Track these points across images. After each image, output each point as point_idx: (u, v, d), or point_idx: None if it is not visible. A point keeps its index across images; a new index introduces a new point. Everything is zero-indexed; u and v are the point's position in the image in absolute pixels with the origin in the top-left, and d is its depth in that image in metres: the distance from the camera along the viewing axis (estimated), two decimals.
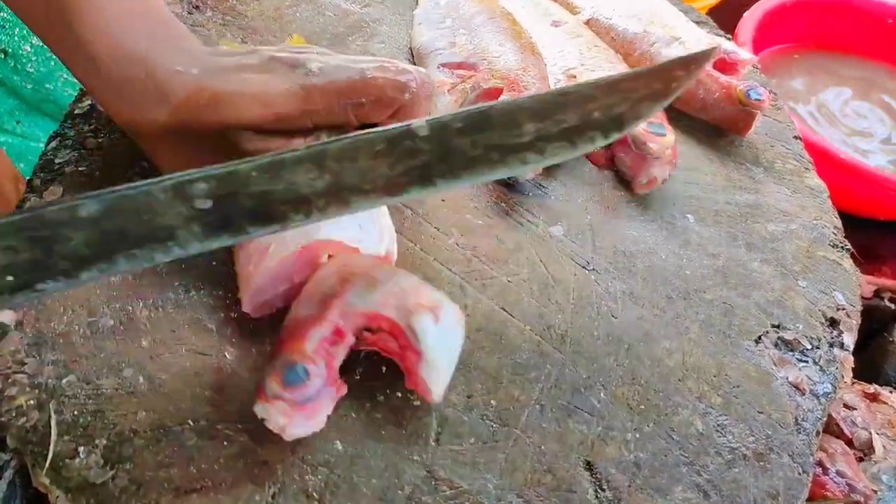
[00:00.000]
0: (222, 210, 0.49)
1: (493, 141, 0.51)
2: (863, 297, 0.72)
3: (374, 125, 0.56)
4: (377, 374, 0.57)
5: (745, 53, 0.87)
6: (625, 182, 0.76)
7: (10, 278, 0.47)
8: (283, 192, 0.49)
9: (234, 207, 0.49)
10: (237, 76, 0.57)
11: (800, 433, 0.59)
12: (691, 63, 0.52)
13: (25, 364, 0.55)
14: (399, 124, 0.51)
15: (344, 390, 0.53)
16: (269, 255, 0.56)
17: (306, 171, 0.49)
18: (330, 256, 0.58)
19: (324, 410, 0.52)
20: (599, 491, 0.54)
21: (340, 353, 0.53)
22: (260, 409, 0.49)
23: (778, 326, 0.66)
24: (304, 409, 0.49)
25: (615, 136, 0.53)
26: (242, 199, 0.49)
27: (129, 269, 0.50)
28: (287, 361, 0.50)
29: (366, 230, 0.59)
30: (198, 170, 0.48)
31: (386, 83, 0.58)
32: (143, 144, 0.62)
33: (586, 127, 0.52)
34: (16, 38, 0.88)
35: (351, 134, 0.51)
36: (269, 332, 0.58)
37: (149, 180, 0.48)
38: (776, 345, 0.65)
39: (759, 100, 0.79)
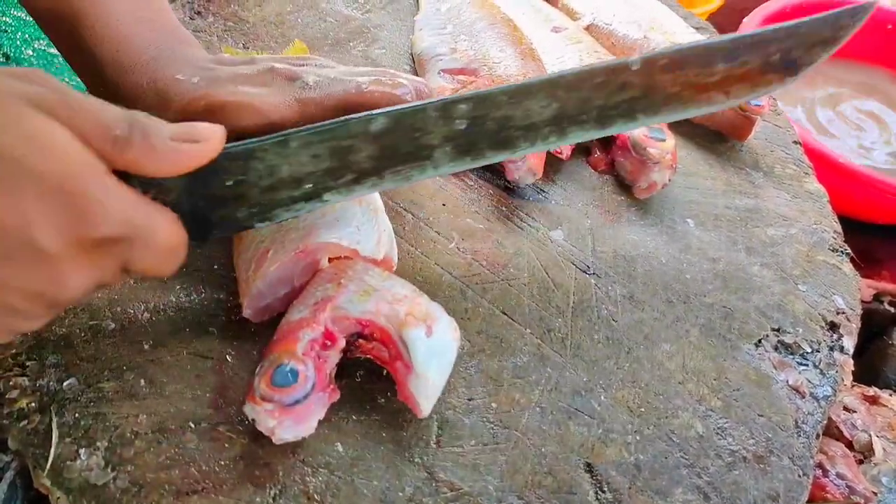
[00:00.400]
0: (473, 131, 0.55)
1: (690, 78, 0.57)
2: (862, 301, 0.72)
3: None
4: (378, 376, 0.58)
5: None
6: (625, 187, 0.77)
7: (307, 186, 0.53)
8: (520, 118, 0.55)
9: (481, 130, 0.55)
10: (235, 87, 0.58)
11: (800, 436, 0.59)
12: (857, 12, 0.57)
13: (27, 367, 0.55)
14: (615, 59, 0.58)
15: (336, 396, 0.53)
16: (268, 260, 0.56)
17: (540, 98, 0.55)
18: (330, 259, 0.58)
19: (314, 415, 0.51)
20: (600, 493, 0.54)
21: (332, 358, 0.53)
22: (249, 410, 0.50)
23: (778, 330, 0.66)
24: (292, 412, 0.49)
25: (790, 81, 0.58)
26: (489, 123, 0.55)
27: (392, 186, 0.56)
28: (276, 362, 0.50)
29: (364, 232, 0.59)
30: (459, 94, 0.55)
31: (382, 97, 0.59)
32: None
33: (766, 68, 0.57)
34: (18, 43, 0.88)
35: (578, 67, 0.56)
36: (269, 335, 0.58)
37: (421, 101, 0.56)
38: (776, 348, 0.65)
39: (759, 105, 0.79)
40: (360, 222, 0.60)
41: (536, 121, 0.55)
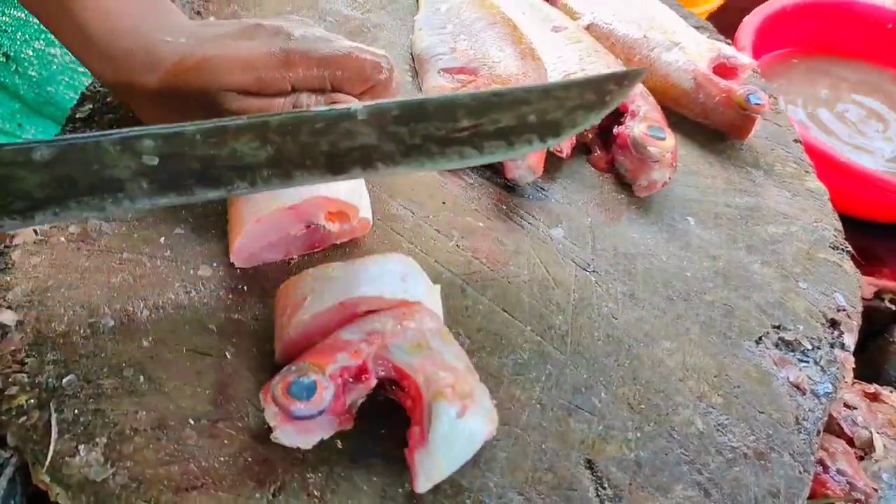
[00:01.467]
0: (169, 168, 0.51)
1: (430, 132, 0.53)
2: (863, 299, 0.72)
3: None
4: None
5: (744, 58, 0.87)
6: (625, 185, 0.77)
7: None
8: (228, 158, 0.52)
9: (180, 167, 0.51)
10: (222, 42, 0.60)
11: (800, 432, 0.59)
12: (624, 78, 0.55)
13: (26, 364, 0.55)
14: (339, 105, 0.53)
15: (349, 425, 0.52)
16: (303, 308, 0.54)
17: (249, 140, 0.52)
18: (368, 312, 0.55)
19: (317, 434, 0.50)
20: (600, 489, 0.54)
21: (357, 393, 0.51)
22: (261, 399, 0.49)
23: (778, 327, 0.66)
24: (295, 424, 0.49)
25: (553, 141, 0.55)
26: (189, 161, 0.51)
27: (81, 216, 0.53)
28: (301, 371, 0.49)
29: (410, 281, 0.57)
30: (145, 127, 0.51)
31: (365, 61, 0.61)
32: (135, 107, 0.65)
33: (522, 129, 0.54)
34: (18, 42, 0.89)
35: (293, 110, 0.54)
36: (268, 334, 0.58)
37: (99, 132, 0.51)
38: (777, 345, 0.65)
39: (759, 104, 0.79)
40: (407, 271, 0.57)
41: (251, 162, 0.52)
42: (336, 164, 0.53)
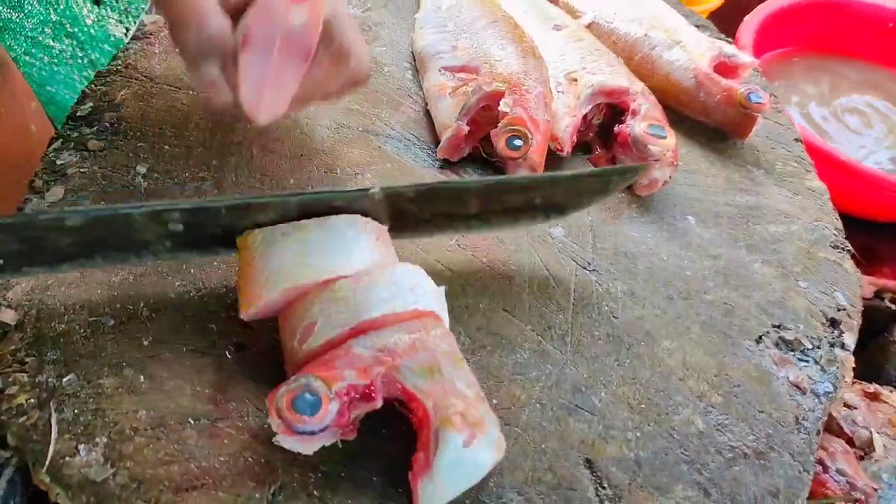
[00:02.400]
0: (193, 233, 0.56)
1: (441, 209, 0.61)
2: (863, 298, 0.71)
3: None
4: None
5: (745, 57, 0.87)
6: None
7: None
8: (249, 226, 0.57)
9: (203, 233, 0.57)
10: None
11: (800, 432, 0.59)
12: (627, 172, 0.64)
13: (26, 363, 0.55)
14: (357, 188, 0.58)
15: (352, 435, 0.51)
16: (314, 335, 0.53)
17: (271, 214, 0.56)
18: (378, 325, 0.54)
19: (318, 443, 0.50)
20: (600, 489, 0.54)
21: (361, 410, 0.51)
22: (266, 403, 0.49)
23: (779, 326, 0.66)
24: (297, 436, 0.48)
25: (560, 219, 0.65)
26: (212, 228, 0.57)
27: (105, 266, 0.58)
28: (307, 388, 0.48)
29: (419, 291, 0.55)
30: (174, 202, 0.56)
31: None
32: None
33: (528, 209, 0.63)
34: (18, 43, 0.89)
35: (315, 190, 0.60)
36: (268, 334, 0.58)
37: (131, 204, 0.55)
38: (777, 345, 0.65)
39: (760, 103, 0.79)
40: (416, 282, 0.56)
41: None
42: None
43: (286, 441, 0.48)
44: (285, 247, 0.56)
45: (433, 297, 0.56)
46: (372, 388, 0.50)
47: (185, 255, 0.59)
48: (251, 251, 0.57)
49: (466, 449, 0.48)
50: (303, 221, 0.57)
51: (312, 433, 0.48)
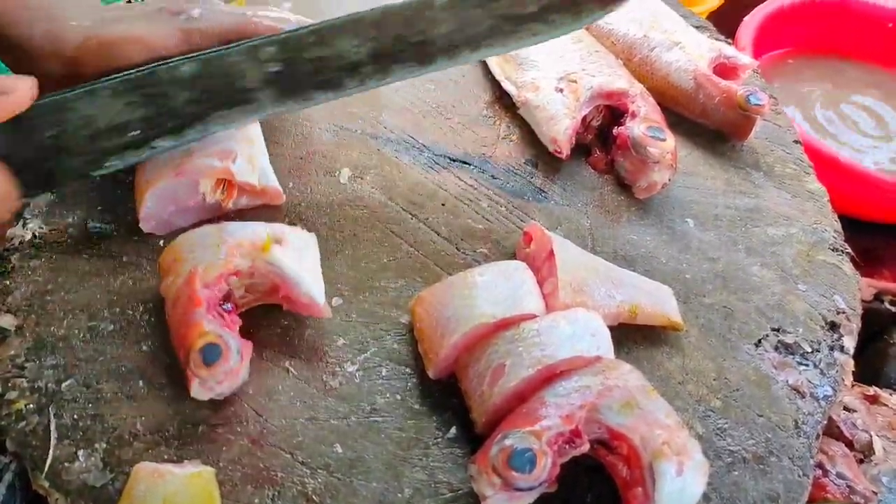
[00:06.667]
0: (289, 74, 0.59)
1: (503, 11, 0.60)
2: (863, 300, 0.71)
3: None
4: (378, 375, 0.58)
5: (745, 58, 0.87)
6: (625, 186, 0.76)
7: (132, 133, 0.57)
8: (335, 59, 0.59)
9: (298, 72, 0.59)
10: (123, 25, 0.61)
11: (800, 436, 0.59)
12: None
13: (25, 368, 0.55)
14: None
15: (553, 489, 0.51)
16: (505, 375, 0.54)
17: (350, 37, 0.59)
18: (564, 371, 0.54)
19: (529, 499, 0.50)
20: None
21: (568, 456, 0.51)
22: (473, 470, 0.49)
23: (778, 330, 0.66)
24: (515, 496, 0.48)
25: (616, 7, 0.64)
26: (303, 64, 0.59)
27: (219, 129, 0.60)
28: (521, 441, 0.48)
29: (599, 336, 0.56)
30: (263, 36, 0.59)
31: (263, 27, 0.63)
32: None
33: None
34: None
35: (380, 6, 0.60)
36: (267, 334, 0.59)
37: (225, 46, 0.59)
38: (776, 348, 0.65)
39: (760, 105, 0.79)
40: (595, 329, 0.57)
41: (354, 60, 0.59)
42: (424, 55, 0.61)
43: (500, 499, 0.48)
44: (455, 294, 0.58)
45: (609, 342, 0.57)
46: (577, 432, 0.50)
47: (285, 105, 0.61)
48: (423, 308, 0.59)
49: (680, 477, 0.49)
50: (468, 270, 0.60)
51: (531, 489, 0.48)
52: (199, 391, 0.52)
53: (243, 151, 0.63)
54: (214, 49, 0.58)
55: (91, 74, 0.59)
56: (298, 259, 0.57)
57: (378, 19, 0.59)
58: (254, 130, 0.67)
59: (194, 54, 0.58)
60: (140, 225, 0.63)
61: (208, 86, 0.58)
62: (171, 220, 0.64)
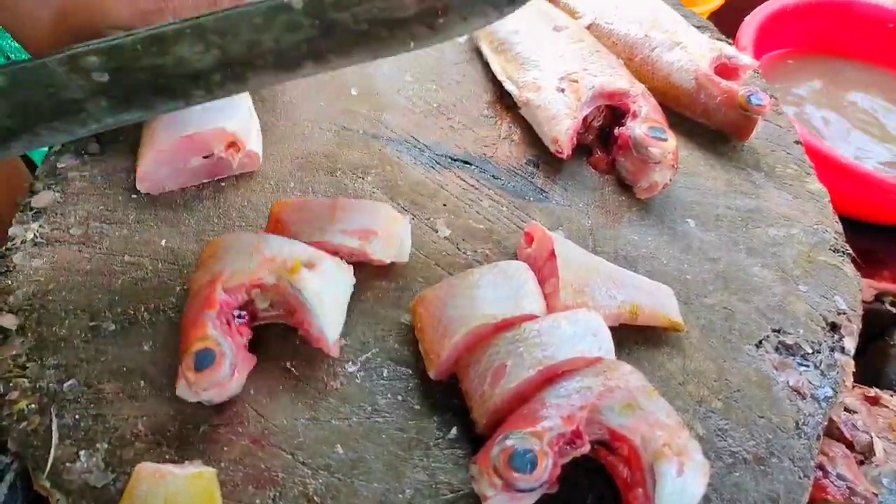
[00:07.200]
0: (121, 83, 0.53)
1: (375, 14, 0.52)
2: (864, 301, 0.71)
3: None
4: (379, 375, 0.58)
5: (746, 58, 0.87)
6: (626, 187, 0.76)
7: None
8: (175, 67, 0.53)
9: (131, 81, 0.53)
10: None
11: (800, 437, 0.59)
12: None
13: (27, 368, 0.55)
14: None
15: (554, 490, 0.51)
16: (506, 376, 0.54)
17: (189, 44, 0.53)
18: (565, 372, 0.55)
19: (530, 500, 0.50)
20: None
21: (568, 457, 0.51)
22: (474, 469, 0.49)
23: (779, 331, 0.66)
24: (516, 497, 0.48)
25: (510, 11, 0.54)
26: (137, 73, 0.53)
27: (53, 142, 0.57)
28: (522, 442, 0.48)
29: (600, 336, 0.56)
30: (85, 43, 0.52)
31: None
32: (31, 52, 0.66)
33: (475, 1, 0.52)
34: (17, 44, 0.89)
35: (225, 8, 0.53)
36: (269, 336, 0.58)
37: (44, 57, 0.53)
38: (777, 349, 0.65)
39: (761, 105, 0.79)
40: (595, 328, 0.57)
41: (199, 68, 0.54)
42: (287, 61, 0.54)
43: (501, 500, 0.48)
44: (457, 294, 0.58)
45: (610, 343, 0.57)
46: (578, 433, 0.50)
47: (126, 114, 0.55)
48: (425, 308, 0.59)
49: (680, 478, 0.49)
50: (470, 270, 0.59)
51: (532, 490, 0.48)
52: (183, 392, 0.52)
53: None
54: (28, 60, 0.53)
55: (80, 33, 0.58)
56: (325, 289, 0.56)
57: (220, 25, 0.53)
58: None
59: (5, 65, 0.54)
60: (137, 184, 0.66)
61: (25, 98, 0.53)
62: (165, 182, 0.67)
